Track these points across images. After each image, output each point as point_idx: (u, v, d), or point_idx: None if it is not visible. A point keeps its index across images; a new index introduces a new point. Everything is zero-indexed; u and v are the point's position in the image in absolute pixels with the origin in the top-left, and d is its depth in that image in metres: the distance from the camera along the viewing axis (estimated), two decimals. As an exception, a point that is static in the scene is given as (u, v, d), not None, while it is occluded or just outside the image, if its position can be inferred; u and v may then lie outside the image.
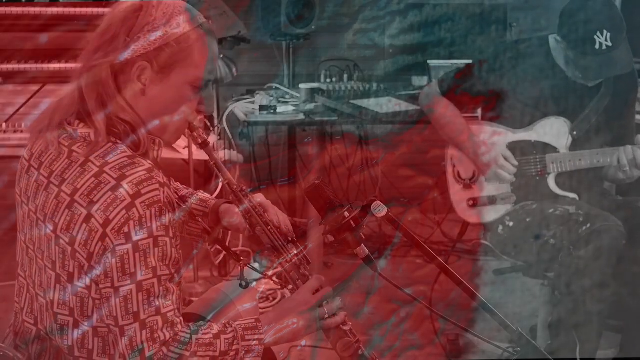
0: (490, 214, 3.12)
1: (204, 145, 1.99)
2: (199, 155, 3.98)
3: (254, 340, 1.86)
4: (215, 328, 1.84)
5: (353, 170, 4.62)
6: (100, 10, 3.92)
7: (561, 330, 2.96)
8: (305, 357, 3.12)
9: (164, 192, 1.76)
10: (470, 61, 3.27)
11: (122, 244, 1.72)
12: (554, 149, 3.09)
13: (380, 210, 1.97)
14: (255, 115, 3.99)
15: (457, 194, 3.17)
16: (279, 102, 4.11)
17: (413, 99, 3.99)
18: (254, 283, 2.12)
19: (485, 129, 3.13)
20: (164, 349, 1.75)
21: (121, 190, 1.73)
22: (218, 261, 3.95)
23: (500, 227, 3.10)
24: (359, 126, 4.44)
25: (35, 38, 3.93)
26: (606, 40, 2.89)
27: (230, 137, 4.09)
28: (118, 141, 1.81)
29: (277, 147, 4.44)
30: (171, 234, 1.78)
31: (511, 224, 3.09)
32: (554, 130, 3.09)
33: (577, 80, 3.02)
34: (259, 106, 4.01)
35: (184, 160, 3.92)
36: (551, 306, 3.07)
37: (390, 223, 2.02)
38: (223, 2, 4.17)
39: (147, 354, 1.74)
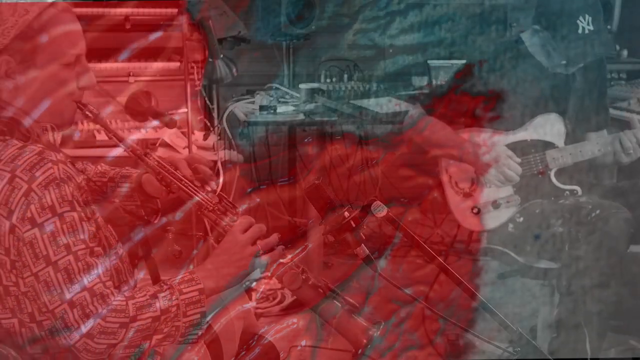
0: (496, 219, 3.12)
1: (96, 119, 1.97)
2: (199, 155, 3.98)
3: (193, 290, 1.85)
4: (151, 289, 1.84)
5: (353, 170, 4.61)
6: (100, 10, 3.92)
7: (568, 325, 2.97)
8: (306, 357, 3.12)
9: (59, 169, 1.77)
10: (464, 61, 3.28)
11: (29, 230, 1.74)
12: (552, 145, 3.10)
13: (380, 210, 1.97)
14: (255, 115, 3.99)
15: (458, 204, 3.17)
16: (279, 102, 4.11)
17: (413, 99, 3.98)
18: (254, 283, 2.12)
19: (481, 133, 3.13)
20: (101, 322, 1.75)
21: (17, 179, 1.75)
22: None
23: (511, 226, 3.10)
24: (359, 126, 4.44)
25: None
26: (588, 24, 2.92)
27: (230, 137, 4.09)
28: (7, 137, 1.82)
29: (277, 147, 4.43)
30: (78, 208, 1.78)
31: (521, 219, 3.09)
32: (549, 127, 3.10)
33: (556, 70, 3.04)
34: (259, 106, 4.01)
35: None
36: (556, 301, 3.07)
37: (390, 223, 2.02)
38: (223, 2, 4.17)
39: (84, 330, 1.74)
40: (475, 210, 3.13)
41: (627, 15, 3.36)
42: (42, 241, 1.75)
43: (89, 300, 1.75)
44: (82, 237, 1.77)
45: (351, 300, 2.02)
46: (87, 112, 1.96)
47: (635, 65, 4.14)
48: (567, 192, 3.09)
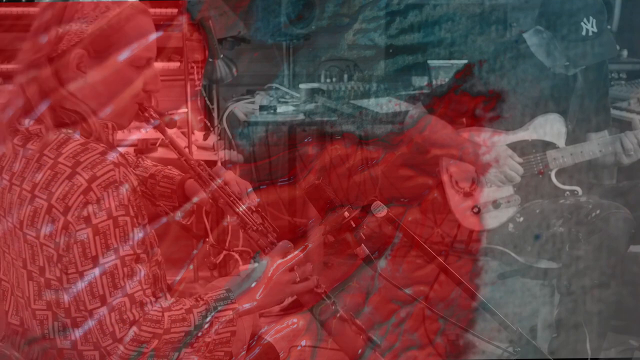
0: (496, 219, 3.12)
1: (157, 126, 1.99)
2: (199, 155, 3.98)
3: (227, 310, 1.87)
4: (187, 303, 1.85)
5: (353, 170, 4.61)
6: (100, 10, 3.92)
7: (568, 325, 2.97)
8: (306, 357, 3.12)
9: (119, 172, 1.78)
10: (464, 61, 3.28)
11: (83, 229, 1.74)
12: (553, 145, 3.10)
13: (380, 210, 1.98)
14: (255, 115, 3.99)
15: (459, 203, 3.18)
16: (279, 102, 4.11)
17: (413, 99, 3.98)
18: (254, 284, 2.12)
19: (481, 133, 3.13)
20: (135, 329, 1.76)
21: (77, 177, 1.75)
22: (218, 261, 3.95)
23: (511, 225, 3.11)
24: (359, 126, 4.44)
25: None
26: (592, 26, 2.92)
27: (230, 137, 4.09)
28: (69, 131, 1.82)
29: (277, 147, 4.43)
30: (132, 213, 1.79)
31: (521, 219, 3.10)
32: (549, 127, 3.11)
33: (557, 70, 3.04)
34: (259, 106, 4.01)
35: (185, 160, 3.91)
36: (556, 301, 3.08)
37: (390, 223, 2.02)
38: (223, 2, 4.17)
39: (118, 335, 1.75)
40: (475, 210, 3.13)
41: (627, 15, 3.36)
42: (93, 242, 1.75)
43: (128, 306, 1.76)
44: (131, 242, 1.79)
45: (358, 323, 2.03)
46: (147, 115, 1.97)
47: (635, 65, 4.14)
48: (568, 193, 3.09)
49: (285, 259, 1.97)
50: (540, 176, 3.10)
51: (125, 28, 1.85)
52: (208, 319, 1.85)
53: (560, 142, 3.10)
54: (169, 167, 2.26)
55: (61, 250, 1.76)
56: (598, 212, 2.96)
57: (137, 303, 1.77)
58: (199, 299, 1.88)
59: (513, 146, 3.11)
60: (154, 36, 1.93)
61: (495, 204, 3.10)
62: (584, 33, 2.93)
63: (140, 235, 1.82)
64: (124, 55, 1.86)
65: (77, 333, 1.82)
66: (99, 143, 1.83)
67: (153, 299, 1.82)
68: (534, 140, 3.11)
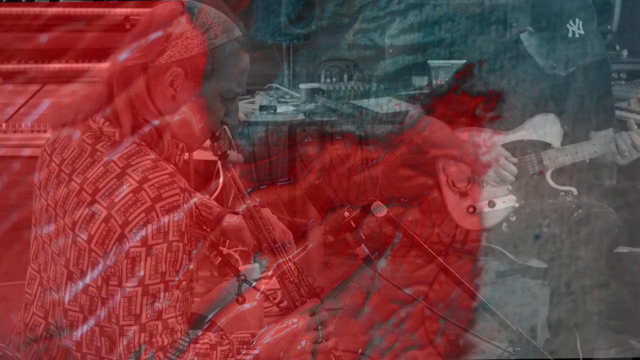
0: (491, 219, 3.13)
1: (222, 157, 1.99)
2: (199, 155, 3.98)
3: (248, 354, 1.87)
4: (213, 339, 1.85)
5: (353, 170, 4.61)
6: (101, 10, 3.92)
7: (561, 324, 2.97)
8: (306, 357, 3.12)
9: (183, 198, 1.77)
10: (464, 61, 3.29)
11: (137, 246, 1.73)
12: (548, 146, 3.10)
13: (380, 210, 1.98)
14: (255, 115, 3.99)
15: (455, 203, 3.18)
16: (279, 102, 4.11)
17: (413, 99, 3.98)
18: (254, 283, 2.12)
19: (481, 133, 3.13)
20: (160, 354, 1.76)
21: (142, 193, 1.74)
22: (218, 261, 3.95)
23: (505, 225, 3.12)
24: (359, 126, 4.44)
25: (35, 38, 3.93)
26: (578, 28, 2.93)
27: (230, 137, 4.09)
28: (142, 143, 1.82)
29: (277, 147, 4.43)
30: (185, 240, 1.78)
31: (514, 218, 3.11)
32: (545, 127, 3.11)
33: (550, 71, 3.05)
34: (259, 106, 4.01)
35: (184, 160, 3.92)
36: (550, 301, 3.08)
37: (390, 223, 2.02)
38: (223, 2, 4.17)
39: (144, 357, 1.75)
40: (471, 210, 3.14)
41: (627, 15, 3.36)
42: (144, 262, 1.74)
43: (160, 330, 1.76)
44: (177, 269, 1.78)
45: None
46: (216, 145, 1.96)
47: (635, 65, 4.14)
48: (563, 193, 3.09)
49: (257, 297, 1.97)
50: (536, 176, 3.10)
51: (227, 60, 1.86)
52: (229, 359, 1.85)
53: (556, 142, 3.10)
54: (206, 195, 2.27)
55: (109, 260, 1.75)
56: (580, 212, 2.97)
57: (168, 329, 1.77)
58: (224, 337, 1.88)
59: (509, 146, 3.11)
60: (246, 72, 1.92)
61: (491, 204, 3.11)
62: (569, 35, 2.93)
63: (188, 263, 1.82)
64: (217, 85, 1.86)
65: (104, 342, 1.81)
66: (169, 163, 1.83)
67: (185, 328, 1.81)
68: (531, 140, 3.11)
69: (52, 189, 1.86)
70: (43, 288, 1.89)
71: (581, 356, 2.91)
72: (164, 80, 1.83)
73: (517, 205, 3.11)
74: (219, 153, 1.97)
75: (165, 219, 1.74)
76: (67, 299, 1.83)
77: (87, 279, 1.79)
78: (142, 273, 1.74)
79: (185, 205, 1.77)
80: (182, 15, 1.84)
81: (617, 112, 3.48)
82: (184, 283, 1.82)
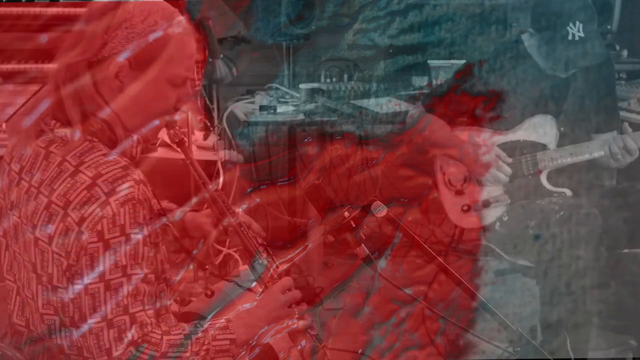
0: (485, 218, 3.13)
1: (180, 144, 2.00)
2: (199, 155, 3.98)
3: (225, 339, 1.86)
4: (187, 329, 1.85)
5: (353, 170, 4.61)
6: (100, 10, 3.92)
7: (552, 324, 2.98)
8: (306, 357, 3.11)
9: (139, 189, 1.77)
10: (464, 61, 3.29)
11: (94, 242, 1.74)
12: (544, 147, 3.10)
13: (380, 210, 1.98)
14: (255, 115, 3.99)
15: (450, 201, 3.19)
16: (279, 102, 4.11)
17: (413, 99, 3.98)
18: (254, 284, 2.12)
19: (478, 134, 3.14)
20: (132, 349, 1.76)
21: (96, 188, 1.75)
22: (218, 261, 3.95)
23: (498, 224, 3.12)
24: (359, 126, 4.44)
25: (35, 38, 3.93)
26: (578, 31, 2.92)
27: (230, 137, 4.08)
28: (94, 139, 1.82)
29: (277, 147, 4.43)
30: (146, 232, 1.78)
31: (506, 218, 3.11)
32: (540, 128, 3.11)
33: (550, 72, 3.05)
34: (259, 106, 4.01)
35: (184, 160, 3.92)
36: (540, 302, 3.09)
37: (390, 223, 2.02)
38: (223, 2, 4.17)
39: (115, 353, 1.75)
40: (465, 208, 3.14)
41: (627, 15, 3.35)
42: (102, 257, 1.74)
43: (128, 325, 1.76)
44: (139, 261, 1.78)
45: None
46: (173, 132, 1.98)
47: (635, 65, 4.14)
48: (556, 194, 3.09)
49: (257, 298, 1.98)
50: (531, 177, 3.11)
51: (169, 45, 1.85)
52: (205, 346, 1.84)
53: (552, 143, 3.10)
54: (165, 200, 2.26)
55: (71, 260, 1.76)
56: (562, 213, 2.98)
57: (137, 323, 1.77)
58: (198, 325, 1.88)
59: (505, 147, 3.11)
60: (193, 57, 1.94)
61: (486, 203, 3.11)
62: (570, 37, 2.93)
63: (151, 255, 1.81)
64: (164, 72, 1.86)
65: (83, 342, 1.81)
66: (122, 157, 1.83)
67: (154, 321, 1.81)
68: (526, 141, 3.12)
69: (15, 198, 1.86)
70: (21, 297, 1.90)
71: (572, 356, 2.91)
72: (109, 73, 1.83)
73: (510, 205, 3.11)
74: (176, 140, 1.98)
75: (121, 212, 1.74)
76: (40, 303, 1.83)
77: (55, 281, 1.79)
78: (101, 268, 1.74)
79: (141, 197, 1.77)
80: (118, 8, 1.84)
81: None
82: (150, 276, 1.81)
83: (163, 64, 1.86)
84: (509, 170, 3.08)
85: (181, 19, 1.89)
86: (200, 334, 1.84)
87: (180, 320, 2.02)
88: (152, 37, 1.84)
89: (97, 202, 1.74)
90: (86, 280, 1.75)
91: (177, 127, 1.97)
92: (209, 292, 2.10)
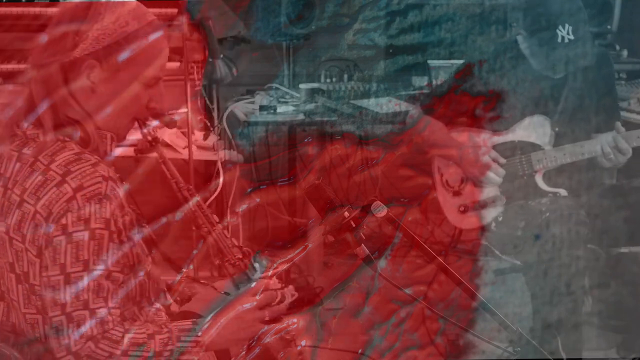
0: (482, 218, 3.14)
1: (153, 143, 2.01)
2: (199, 155, 3.98)
3: (190, 341, 1.86)
4: (151, 328, 1.85)
5: (353, 170, 4.61)
6: (100, 10, 3.92)
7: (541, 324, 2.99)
8: (306, 357, 3.12)
9: (107, 185, 1.79)
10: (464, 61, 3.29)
11: (58, 235, 1.75)
12: (538, 147, 3.11)
13: (380, 210, 1.98)
14: (255, 115, 3.99)
15: (447, 202, 3.19)
16: (279, 102, 4.11)
17: (413, 99, 3.98)
18: (254, 284, 2.12)
19: (470, 134, 3.14)
20: (91, 345, 1.76)
21: (65, 185, 1.77)
22: (218, 261, 3.94)
23: (494, 224, 3.13)
24: (359, 126, 4.44)
25: (35, 38, 3.93)
26: (568, 33, 2.92)
27: (230, 137, 4.08)
28: (67, 139, 1.83)
29: (277, 147, 4.43)
30: (113, 228, 1.79)
31: (501, 218, 3.12)
32: (535, 129, 3.11)
33: (544, 73, 3.05)
34: (259, 106, 4.01)
35: (184, 160, 3.92)
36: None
37: (390, 223, 2.02)
38: (223, 2, 4.17)
39: (73, 347, 1.75)
40: (461, 209, 3.15)
41: (627, 15, 3.35)
42: (64, 250, 1.76)
43: (87, 320, 1.76)
44: (104, 257, 1.78)
45: None
46: (145, 133, 2.02)
47: (635, 65, 4.14)
48: (550, 194, 3.10)
49: (257, 298, 1.97)
50: (526, 177, 3.11)
51: (140, 46, 1.87)
52: (168, 347, 1.83)
53: (546, 144, 3.10)
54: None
55: (41, 255, 1.77)
56: (547, 214, 2.98)
57: (98, 319, 1.76)
58: (163, 326, 1.87)
59: (500, 147, 3.12)
60: (166, 57, 1.95)
61: (482, 204, 3.12)
62: (559, 40, 2.93)
63: (119, 252, 1.82)
64: (136, 72, 1.88)
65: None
66: (94, 155, 1.84)
67: (117, 319, 1.80)
68: (520, 141, 3.12)
69: None
70: (7, 302, 1.90)
71: (564, 357, 2.91)
72: (81, 75, 1.85)
73: (505, 205, 3.12)
74: (149, 139, 1.99)
75: (86, 206, 1.76)
76: (22, 303, 1.83)
77: (31, 279, 1.80)
78: (63, 261, 1.75)
79: (109, 193, 1.78)
80: (89, 9, 1.85)
81: (617, 113, 3.47)
82: (117, 274, 1.82)
83: (135, 64, 1.88)
84: (502, 171, 3.09)
85: (153, 19, 1.91)
86: (164, 335, 1.84)
87: (177, 319, 2.02)
88: (123, 37, 1.85)
89: (64, 197, 1.76)
90: (49, 272, 1.76)
91: (150, 126, 1.98)
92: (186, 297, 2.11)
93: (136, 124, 2.03)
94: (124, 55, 1.85)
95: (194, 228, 2.10)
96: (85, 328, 1.75)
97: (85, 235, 1.76)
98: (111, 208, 1.78)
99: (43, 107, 1.84)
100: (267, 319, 1.97)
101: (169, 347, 1.83)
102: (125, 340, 1.79)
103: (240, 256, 2.08)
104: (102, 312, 1.77)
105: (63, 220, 1.75)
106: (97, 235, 1.77)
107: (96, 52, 1.84)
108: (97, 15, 1.85)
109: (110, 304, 1.79)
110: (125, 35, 1.85)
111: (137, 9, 1.89)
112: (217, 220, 2.11)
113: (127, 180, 2.14)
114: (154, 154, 3.35)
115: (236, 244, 2.11)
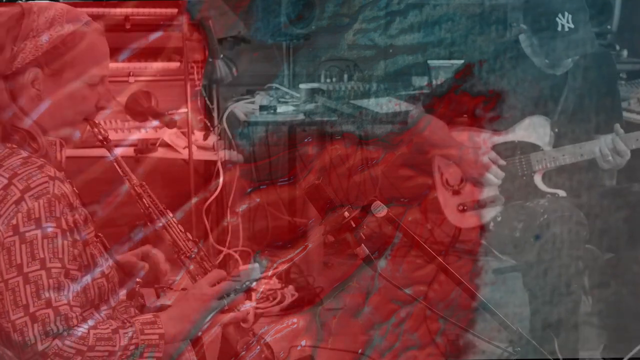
0: (481, 217, 3.14)
1: (105, 142, 2.02)
2: (199, 155, 3.98)
3: (154, 334, 1.86)
4: (114, 323, 1.85)
5: (353, 170, 4.61)
6: (100, 10, 3.92)
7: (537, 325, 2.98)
8: (305, 357, 3.11)
9: (54, 185, 1.80)
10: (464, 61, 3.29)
11: (10, 236, 1.76)
12: (538, 148, 3.11)
13: (380, 210, 1.98)
14: (255, 115, 3.99)
15: (447, 201, 3.20)
16: (279, 102, 4.11)
17: (413, 99, 3.98)
18: (254, 283, 2.12)
19: (470, 134, 3.14)
20: (58, 343, 1.75)
21: (12, 187, 1.78)
22: (218, 261, 3.95)
23: (492, 224, 3.13)
24: (359, 126, 4.44)
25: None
26: (568, 22, 2.92)
27: (230, 137, 4.08)
28: (14, 146, 1.85)
29: (277, 147, 4.43)
30: (64, 226, 1.80)
31: (499, 218, 3.12)
32: (535, 129, 3.11)
33: (544, 69, 3.04)
34: (259, 106, 4.01)
35: (184, 160, 3.92)
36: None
37: (390, 223, 2.02)
38: (223, 2, 4.17)
39: (40, 347, 1.74)
40: (460, 208, 3.15)
41: (627, 15, 3.36)
42: (19, 250, 1.76)
43: (52, 318, 1.75)
44: (60, 255, 1.79)
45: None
46: (97, 132, 2.00)
47: (635, 65, 4.14)
48: (549, 195, 3.09)
49: (213, 288, 1.97)
50: (525, 178, 3.11)
51: (79, 46, 1.88)
52: (133, 341, 1.83)
53: (545, 144, 3.10)
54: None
55: None
56: (545, 216, 2.97)
57: (61, 316, 1.76)
58: (125, 321, 1.87)
59: (498, 148, 3.12)
60: (107, 54, 1.95)
61: (481, 203, 3.12)
62: (559, 28, 2.93)
63: (75, 250, 1.82)
64: (79, 73, 1.88)
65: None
66: (41, 159, 1.86)
67: (80, 316, 1.80)
68: (519, 141, 3.12)
69: None
70: None
71: (560, 357, 2.91)
72: (25, 83, 1.86)
73: (504, 205, 3.12)
74: (101, 138, 2.00)
75: (35, 205, 1.77)
76: None
77: None
78: (19, 262, 1.75)
79: (57, 192, 1.79)
80: (22, 17, 1.87)
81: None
82: (74, 272, 1.82)
83: (76, 65, 1.88)
84: (501, 173, 3.09)
85: (88, 19, 1.93)
86: (128, 329, 1.84)
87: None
88: (60, 41, 1.86)
89: (12, 199, 1.77)
90: (6, 275, 1.75)
91: (100, 126, 2.00)
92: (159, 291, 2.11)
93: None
94: (63, 58, 1.87)
95: (148, 224, 2.10)
96: (50, 327, 1.75)
97: (38, 233, 1.76)
98: (60, 207, 1.79)
99: None
100: (226, 307, 1.96)
101: (134, 341, 1.83)
102: (91, 336, 1.79)
103: (196, 250, 2.08)
104: (65, 309, 1.77)
105: (13, 221, 1.76)
106: (49, 233, 1.78)
107: (36, 59, 1.86)
108: (31, 24, 1.86)
109: (72, 302, 1.79)
110: (62, 38, 1.86)
111: (71, 11, 1.91)
112: (171, 216, 2.11)
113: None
114: (153, 155, 3.37)
115: (191, 237, 2.11)
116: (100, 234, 2.02)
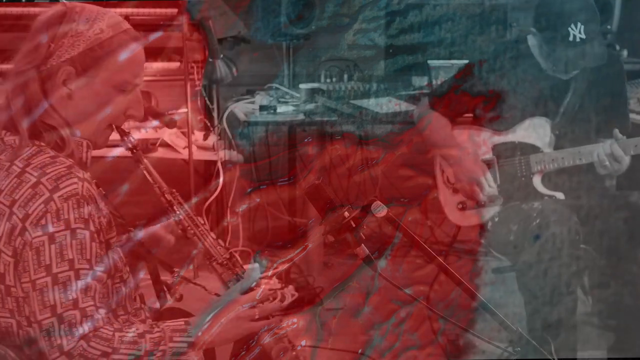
0: (480, 217, 3.14)
1: (134, 151, 2.03)
2: (199, 155, 3.98)
3: (182, 342, 1.86)
4: (141, 327, 1.85)
5: (353, 170, 4.61)
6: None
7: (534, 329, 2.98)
8: (306, 357, 3.12)
9: (83, 186, 1.80)
10: (465, 61, 3.29)
11: (39, 236, 1.76)
12: (538, 149, 3.10)
13: (380, 210, 1.98)
14: (255, 115, 3.99)
15: (447, 198, 3.19)
16: (279, 102, 4.11)
17: (413, 99, 3.98)
18: (254, 283, 2.12)
19: (470, 133, 3.14)
20: (84, 344, 1.75)
21: (40, 186, 1.78)
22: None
23: (490, 224, 3.13)
24: (359, 126, 4.44)
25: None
26: (580, 32, 2.91)
27: (230, 137, 4.09)
28: (42, 144, 1.85)
29: (277, 147, 4.43)
30: (92, 228, 1.80)
31: (496, 219, 3.12)
32: (535, 130, 3.10)
33: (552, 73, 3.04)
34: (259, 106, 4.01)
35: (184, 160, 3.92)
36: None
37: (390, 223, 2.02)
38: (223, 2, 4.17)
39: (66, 348, 1.74)
40: (460, 206, 3.15)
41: (627, 15, 3.36)
42: (48, 250, 1.76)
43: (78, 319, 1.76)
44: (88, 257, 1.79)
45: None
46: (125, 139, 2.03)
47: (635, 65, 4.14)
48: (547, 197, 3.09)
49: (247, 295, 1.97)
50: (524, 179, 3.11)
51: (116, 53, 1.88)
52: (161, 347, 1.83)
53: (545, 145, 3.10)
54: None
55: (18, 257, 1.77)
56: (538, 220, 2.97)
57: (87, 317, 1.76)
58: (154, 325, 1.87)
59: (499, 148, 3.12)
60: (142, 64, 1.95)
61: (480, 203, 3.12)
62: (570, 38, 2.92)
63: (101, 252, 1.82)
64: (111, 78, 1.89)
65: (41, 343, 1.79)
66: (68, 159, 1.86)
67: (106, 318, 1.81)
68: (520, 142, 3.12)
69: None
70: None
71: (555, 358, 2.91)
72: (58, 81, 1.87)
73: (503, 206, 3.12)
74: (130, 147, 2.01)
75: (65, 206, 1.76)
76: None
77: (7, 281, 1.80)
78: (48, 262, 1.75)
79: (86, 194, 1.79)
80: (64, 16, 1.88)
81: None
82: (100, 274, 1.82)
83: (109, 70, 1.89)
84: (493, 191, 3.09)
85: (129, 27, 1.93)
86: (155, 334, 1.84)
87: (171, 316, 2.03)
88: (98, 44, 1.87)
89: (41, 199, 1.77)
90: (33, 275, 1.75)
91: (129, 134, 2.04)
92: (177, 296, 2.11)
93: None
94: (98, 61, 1.87)
95: (180, 231, 2.11)
96: (76, 327, 1.75)
97: (67, 234, 1.77)
98: (88, 208, 1.79)
99: (19, 114, 1.85)
100: (256, 317, 1.96)
101: (161, 347, 1.83)
102: (116, 338, 1.79)
103: (228, 256, 2.09)
104: (92, 310, 1.77)
105: (42, 222, 1.76)
106: (78, 235, 1.78)
107: (71, 58, 1.86)
108: (71, 23, 1.87)
109: (99, 304, 1.79)
110: (100, 42, 1.87)
111: (113, 17, 1.92)
112: (203, 222, 2.13)
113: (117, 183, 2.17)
114: (153, 155, 3.37)
115: (222, 244, 2.12)
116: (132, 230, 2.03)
